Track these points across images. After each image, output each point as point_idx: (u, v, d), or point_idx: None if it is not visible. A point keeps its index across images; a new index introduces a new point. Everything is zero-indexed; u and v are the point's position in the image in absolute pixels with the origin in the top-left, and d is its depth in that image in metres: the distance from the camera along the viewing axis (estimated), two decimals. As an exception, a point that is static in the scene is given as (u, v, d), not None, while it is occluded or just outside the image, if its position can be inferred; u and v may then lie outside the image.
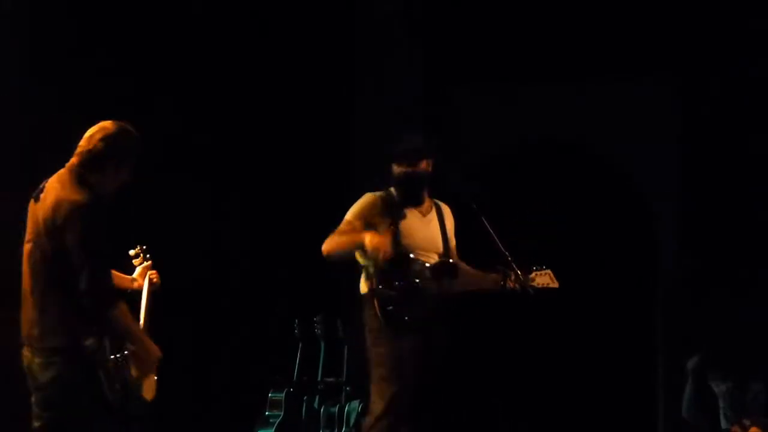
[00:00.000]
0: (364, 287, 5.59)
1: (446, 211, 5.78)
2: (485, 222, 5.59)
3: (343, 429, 7.17)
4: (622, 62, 8.27)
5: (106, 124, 4.74)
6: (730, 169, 8.04)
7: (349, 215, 5.65)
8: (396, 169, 5.66)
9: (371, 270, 5.56)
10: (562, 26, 8.32)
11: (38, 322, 4.58)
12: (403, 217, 5.64)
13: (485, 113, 8.57)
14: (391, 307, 5.55)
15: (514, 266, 5.63)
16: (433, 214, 5.71)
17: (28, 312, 4.63)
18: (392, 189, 5.68)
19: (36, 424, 4.63)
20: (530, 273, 5.71)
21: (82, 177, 4.65)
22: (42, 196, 4.64)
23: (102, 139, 4.69)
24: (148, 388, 4.81)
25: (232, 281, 7.70)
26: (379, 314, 5.53)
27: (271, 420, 7.09)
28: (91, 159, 4.67)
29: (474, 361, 7.77)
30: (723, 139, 8.08)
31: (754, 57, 8.00)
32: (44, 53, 6.80)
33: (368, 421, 5.53)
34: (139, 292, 4.99)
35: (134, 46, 7.25)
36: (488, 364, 8.18)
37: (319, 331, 7.42)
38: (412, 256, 5.59)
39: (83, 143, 4.70)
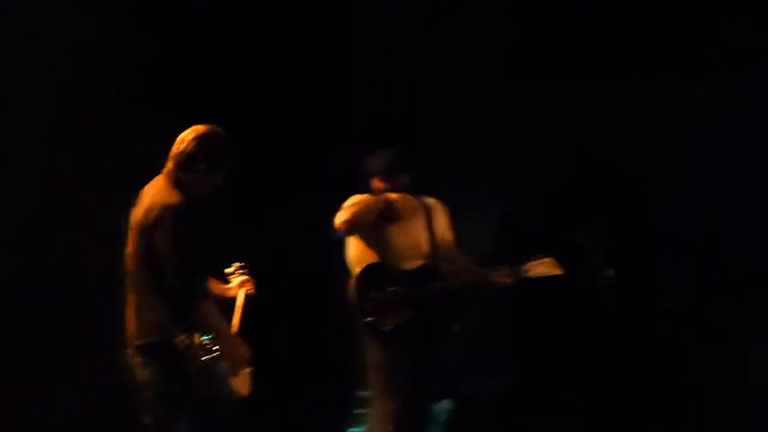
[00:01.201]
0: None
1: (435, 208, 5.85)
2: (567, 214, 5.61)
3: (432, 429, 7.16)
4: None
5: (198, 127, 4.87)
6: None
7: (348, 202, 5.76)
8: (376, 184, 5.72)
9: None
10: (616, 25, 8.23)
11: (135, 322, 4.71)
12: (385, 227, 5.75)
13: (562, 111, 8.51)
14: (369, 319, 5.56)
15: (598, 258, 5.64)
16: (418, 218, 5.77)
17: (128, 313, 4.76)
18: None
19: (146, 420, 4.76)
20: (525, 264, 5.72)
21: (176, 180, 4.77)
22: (139, 201, 4.77)
23: (194, 140, 4.83)
24: (243, 384, 4.87)
25: (321, 279, 7.75)
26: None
27: (360, 418, 7.11)
28: (184, 160, 4.80)
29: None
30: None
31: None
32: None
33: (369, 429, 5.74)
34: (232, 299, 5.07)
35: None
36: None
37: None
38: (388, 264, 5.70)
39: (176, 146, 4.84)
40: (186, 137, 4.90)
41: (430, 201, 5.88)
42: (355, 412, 7.13)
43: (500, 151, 8.21)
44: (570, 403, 7.82)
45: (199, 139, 4.87)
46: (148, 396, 4.78)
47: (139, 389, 4.80)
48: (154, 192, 4.83)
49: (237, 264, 5.27)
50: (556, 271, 5.75)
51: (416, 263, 5.69)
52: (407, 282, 5.62)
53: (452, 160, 8.29)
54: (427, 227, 5.76)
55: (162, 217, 4.66)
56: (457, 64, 8.54)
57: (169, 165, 4.87)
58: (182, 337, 4.68)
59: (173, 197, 4.74)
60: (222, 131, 4.93)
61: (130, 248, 4.79)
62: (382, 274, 5.67)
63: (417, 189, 5.88)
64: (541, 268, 5.72)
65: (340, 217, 5.68)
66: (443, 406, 7.24)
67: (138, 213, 4.79)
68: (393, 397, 5.61)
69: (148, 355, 4.73)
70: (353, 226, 5.70)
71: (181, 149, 4.87)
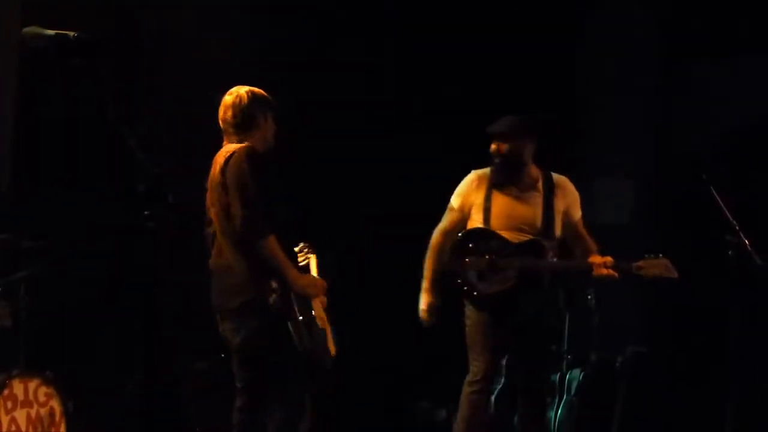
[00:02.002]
0: None
1: (562, 187, 5.66)
2: (714, 192, 5.43)
3: (564, 397, 7.14)
4: None
5: (232, 92, 4.91)
6: None
7: (452, 198, 5.72)
8: (491, 147, 5.60)
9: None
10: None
11: (224, 286, 4.75)
12: (496, 195, 5.60)
13: (722, 87, 8.30)
14: (460, 281, 5.50)
15: (742, 236, 5.44)
16: (537, 192, 5.60)
17: (216, 280, 4.81)
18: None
19: (239, 385, 4.82)
20: (639, 261, 5.50)
21: (239, 141, 4.82)
22: (212, 166, 4.83)
23: (242, 100, 4.87)
24: (331, 344, 4.91)
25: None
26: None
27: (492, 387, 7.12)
28: (243, 121, 4.85)
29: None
30: None
31: None
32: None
33: (465, 383, 5.63)
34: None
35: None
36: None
37: (542, 300, 7.39)
38: (490, 232, 5.55)
39: (225, 116, 4.87)
40: (231, 105, 4.91)
41: (559, 178, 5.71)
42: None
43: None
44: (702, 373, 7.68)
45: (246, 97, 4.92)
46: (245, 357, 4.81)
47: (236, 353, 4.83)
48: (224, 152, 4.88)
49: (302, 244, 5.23)
50: (672, 275, 5.51)
51: (523, 237, 5.56)
52: (507, 254, 5.52)
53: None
54: (546, 203, 5.59)
55: (230, 165, 4.72)
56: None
57: (228, 131, 4.91)
58: (275, 296, 4.70)
59: (238, 148, 4.82)
60: (251, 88, 4.96)
61: (211, 213, 4.83)
62: (482, 240, 5.58)
63: (548, 164, 5.73)
64: (656, 269, 5.49)
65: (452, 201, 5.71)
66: (575, 374, 7.21)
67: (213, 174, 4.83)
68: (475, 360, 5.58)
69: (241, 316, 4.75)
70: (460, 210, 5.69)
71: (233, 114, 4.92)
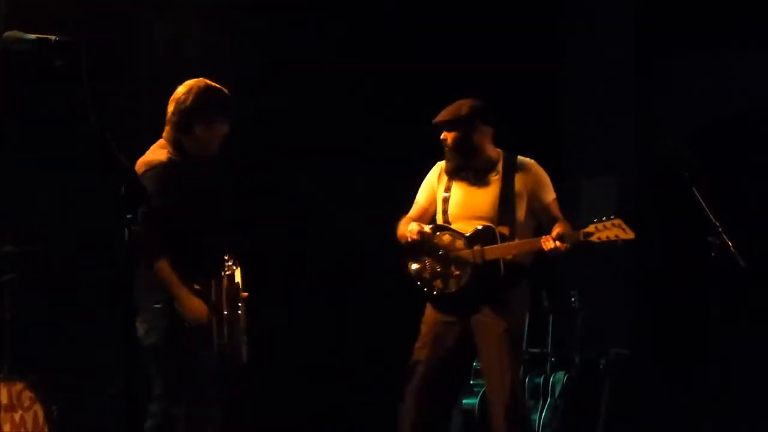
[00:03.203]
0: None
1: (525, 169, 5.45)
2: (696, 192, 5.40)
3: (549, 400, 7.16)
4: None
5: (186, 85, 4.84)
6: None
7: (418, 194, 5.62)
8: (442, 136, 5.48)
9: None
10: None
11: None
12: (453, 185, 5.48)
13: (697, 81, 8.34)
14: (419, 283, 5.42)
15: (725, 237, 5.41)
16: (493, 178, 5.42)
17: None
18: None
19: (157, 391, 4.78)
20: (588, 227, 5.20)
21: (175, 141, 4.76)
22: None
23: (186, 100, 4.78)
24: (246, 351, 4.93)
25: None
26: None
27: (475, 389, 7.13)
28: (179, 121, 4.78)
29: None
30: None
31: None
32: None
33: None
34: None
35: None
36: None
37: (524, 302, 7.41)
38: (442, 226, 5.42)
39: (168, 108, 4.81)
40: (177, 95, 4.81)
41: (523, 161, 5.47)
42: (471, 382, 7.17)
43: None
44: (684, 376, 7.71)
45: (189, 99, 4.78)
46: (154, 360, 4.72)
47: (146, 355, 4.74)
48: (147, 157, 4.78)
49: (228, 255, 5.15)
50: (626, 235, 5.15)
51: (475, 225, 5.35)
52: (458, 247, 5.33)
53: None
54: (504, 187, 5.37)
55: (141, 175, 4.57)
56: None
57: (166, 128, 4.83)
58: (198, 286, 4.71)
59: (155, 156, 4.73)
60: (212, 84, 4.84)
61: None
62: (435, 237, 5.39)
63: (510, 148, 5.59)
64: (608, 232, 5.15)
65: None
66: (559, 376, 7.23)
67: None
68: (416, 353, 5.46)
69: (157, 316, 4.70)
70: (424, 201, 5.61)
71: (173, 109, 4.80)
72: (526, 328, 5.61)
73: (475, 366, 7.22)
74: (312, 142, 7.37)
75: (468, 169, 5.47)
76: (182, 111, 4.78)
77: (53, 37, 3.43)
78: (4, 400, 5.58)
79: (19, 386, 5.66)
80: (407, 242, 5.44)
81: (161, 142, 4.86)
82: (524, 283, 5.48)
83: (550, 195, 5.48)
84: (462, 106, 5.45)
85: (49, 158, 6.57)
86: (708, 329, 7.39)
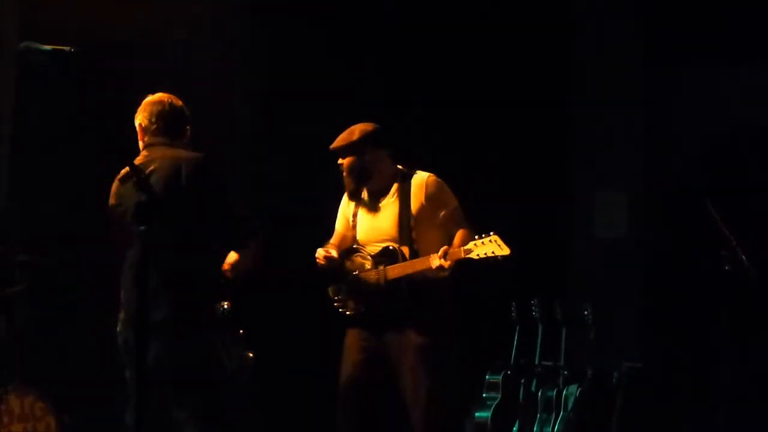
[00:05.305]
0: None
1: (418, 186, 5.43)
2: (710, 206, 5.40)
3: (561, 413, 7.14)
4: None
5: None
6: None
7: (336, 221, 5.69)
8: (338, 161, 5.54)
9: None
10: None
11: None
12: (359, 209, 5.57)
13: (707, 95, 8.33)
14: (335, 305, 5.49)
15: (739, 251, 5.40)
16: (391, 199, 5.47)
17: None
18: None
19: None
20: (468, 244, 5.19)
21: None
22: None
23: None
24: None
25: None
26: None
27: (488, 402, 7.12)
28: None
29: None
30: None
31: None
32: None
33: None
34: None
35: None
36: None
37: (537, 314, 7.40)
38: (353, 248, 5.50)
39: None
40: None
41: (417, 177, 5.48)
42: (484, 395, 7.16)
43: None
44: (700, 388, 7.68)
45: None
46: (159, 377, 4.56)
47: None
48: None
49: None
50: (502, 251, 5.13)
51: (383, 246, 5.42)
52: (373, 266, 5.40)
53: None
54: (402, 207, 5.39)
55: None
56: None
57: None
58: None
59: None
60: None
61: None
62: (347, 260, 5.50)
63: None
64: (485, 248, 5.15)
65: None
66: (572, 389, 7.21)
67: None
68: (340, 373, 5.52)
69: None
70: (341, 228, 5.69)
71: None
72: (451, 343, 5.64)
73: (488, 379, 7.24)
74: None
75: (367, 192, 5.54)
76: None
77: (68, 48, 3.45)
78: (17, 411, 5.59)
79: (31, 397, 5.67)
80: (320, 268, 5.55)
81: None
82: (438, 299, 5.45)
83: (444, 208, 5.44)
84: (353, 132, 5.50)
85: (63, 167, 6.59)
86: (720, 342, 7.40)
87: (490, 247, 5.13)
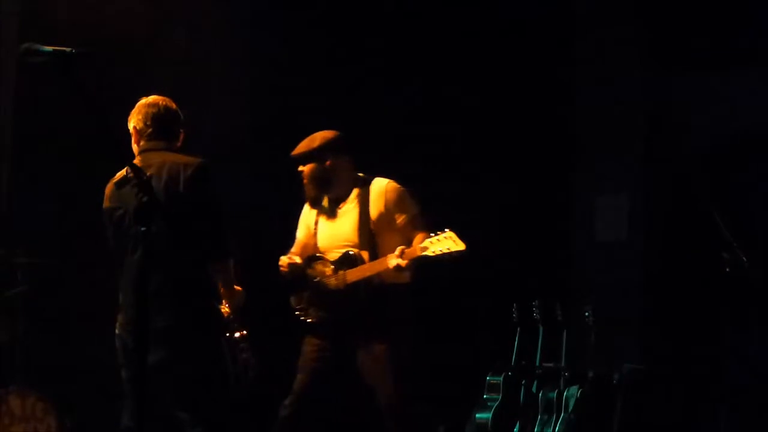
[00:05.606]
0: None
1: (376, 191, 5.48)
2: (713, 209, 5.40)
3: (562, 414, 7.13)
4: None
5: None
6: None
7: (297, 230, 5.73)
8: (299, 169, 5.56)
9: None
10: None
11: None
12: (319, 216, 5.61)
13: (707, 100, 8.33)
14: (297, 313, 5.53)
15: (740, 253, 5.42)
16: (350, 205, 5.51)
17: None
18: None
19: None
20: (423, 242, 5.20)
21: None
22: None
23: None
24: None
25: (452, 267, 7.75)
26: None
27: (489, 404, 7.12)
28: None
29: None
30: None
31: None
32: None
33: None
34: None
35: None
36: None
37: (538, 316, 7.40)
38: (314, 256, 5.53)
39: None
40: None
41: (375, 182, 5.52)
42: (485, 396, 7.16)
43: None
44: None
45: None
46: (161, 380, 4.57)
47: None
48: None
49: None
50: (457, 246, 5.13)
51: (340, 252, 5.47)
52: (334, 272, 5.45)
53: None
54: (361, 213, 5.43)
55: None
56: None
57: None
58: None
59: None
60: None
61: None
62: (309, 267, 5.56)
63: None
64: (440, 245, 5.15)
65: None
66: (573, 391, 7.21)
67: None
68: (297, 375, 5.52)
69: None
70: (303, 237, 5.71)
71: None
72: (410, 345, 5.66)
73: (489, 380, 7.24)
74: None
75: (327, 199, 5.58)
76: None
77: (69, 49, 3.45)
78: (18, 412, 5.59)
79: (32, 398, 5.67)
80: (283, 276, 5.59)
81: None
82: (397, 302, 5.46)
83: (404, 214, 5.47)
84: (314, 139, 5.54)
85: (65, 169, 6.60)
86: (722, 344, 7.40)
87: (445, 243, 5.15)
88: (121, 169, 4.71)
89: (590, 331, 7.31)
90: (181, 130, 4.85)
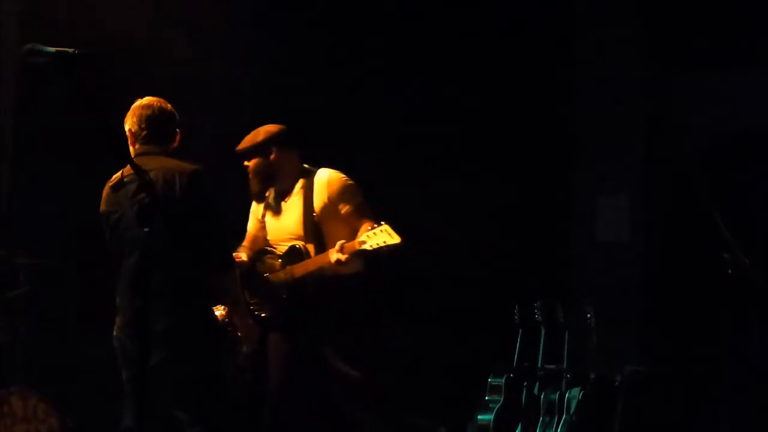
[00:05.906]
0: None
1: (319, 183, 5.49)
2: (714, 210, 5.40)
3: (564, 416, 7.12)
4: None
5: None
6: None
7: (248, 222, 5.75)
8: (245, 163, 5.57)
9: None
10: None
11: None
12: (266, 211, 5.62)
13: (708, 100, 8.32)
14: (251, 308, 5.49)
15: (741, 255, 5.41)
16: (295, 198, 5.51)
17: None
18: None
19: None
20: (361, 236, 5.21)
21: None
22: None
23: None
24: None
25: (453, 268, 7.74)
26: None
27: (490, 405, 7.10)
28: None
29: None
30: None
31: None
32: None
33: None
34: None
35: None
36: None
37: (540, 317, 7.39)
38: (262, 250, 5.54)
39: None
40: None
41: (319, 175, 5.53)
42: (487, 398, 7.15)
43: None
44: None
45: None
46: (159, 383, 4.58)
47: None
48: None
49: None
50: (392, 240, 5.13)
51: (287, 245, 5.49)
52: (282, 267, 5.48)
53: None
54: (305, 206, 5.44)
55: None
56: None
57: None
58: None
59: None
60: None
61: None
62: (257, 263, 5.58)
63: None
64: (376, 239, 5.15)
65: None
66: (574, 392, 7.20)
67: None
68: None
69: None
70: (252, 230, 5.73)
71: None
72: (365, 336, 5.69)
73: (491, 382, 7.22)
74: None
75: (273, 193, 5.59)
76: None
77: (72, 50, 3.44)
78: (20, 412, 5.58)
79: (33, 398, 5.66)
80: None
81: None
82: (349, 294, 5.47)
83: (347, 204, 5.48)
84: (258, 133, 5.55)
85: (65, 169, 6.58)
86: (722, 344, 7.40)
87: (381, 237, 5.15)
88: (121, 170, 4.70)
89: (592, 332, 7.30)
90: (177, 131, 4.83)
